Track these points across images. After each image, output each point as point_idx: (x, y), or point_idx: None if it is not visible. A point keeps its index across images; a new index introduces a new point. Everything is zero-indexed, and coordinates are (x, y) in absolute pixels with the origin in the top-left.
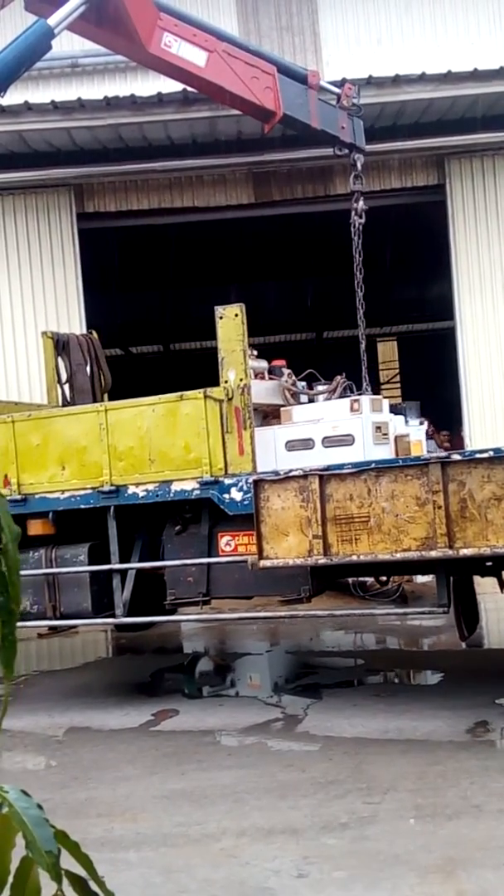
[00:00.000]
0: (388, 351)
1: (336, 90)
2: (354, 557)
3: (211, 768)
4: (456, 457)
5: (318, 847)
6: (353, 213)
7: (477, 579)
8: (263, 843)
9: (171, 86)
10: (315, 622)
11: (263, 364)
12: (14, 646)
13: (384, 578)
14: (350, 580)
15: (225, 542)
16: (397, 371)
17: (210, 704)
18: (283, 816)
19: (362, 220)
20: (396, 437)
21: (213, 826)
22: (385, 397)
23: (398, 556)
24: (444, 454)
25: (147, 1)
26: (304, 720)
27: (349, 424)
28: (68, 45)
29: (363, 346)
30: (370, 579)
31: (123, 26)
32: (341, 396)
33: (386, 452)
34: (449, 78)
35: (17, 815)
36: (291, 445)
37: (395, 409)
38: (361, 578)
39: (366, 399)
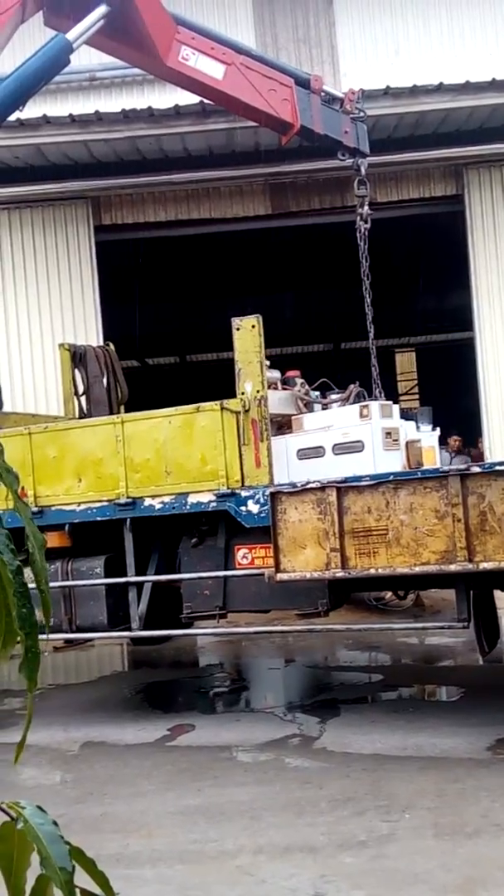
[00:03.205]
0: (406, 362)
1: (339, 94)
2: (372, 571)
3: (227, 784)
4: (475, 469)
5: (336, 865)
6: (358, 218)
7: (498, 594)
8: (280, 861)
9: (189, 98)
10: (331, 637)
11: (276, 374)
12: (37, 657)
13: (402, 592)
14: (366, 593)
15: (242, 554)
16: (416, 382)
17: (226, 719)
18: (300, 834)
19: (367, 226)
20: (408, 443)
21: (230, 843)
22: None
23: (417, 569)
24: (462, 467)
25: (165, 15)
26: (321, 736)
27: (359, 431)
28: (86, 58)
29: (373, 351)
30: (388, 592)
31: (141, 40)
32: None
33: (396, 458)
34: (467, 88)
35: (33, 831)
36: (303, 454)
37: (406, 415)
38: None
39: (375, 405)
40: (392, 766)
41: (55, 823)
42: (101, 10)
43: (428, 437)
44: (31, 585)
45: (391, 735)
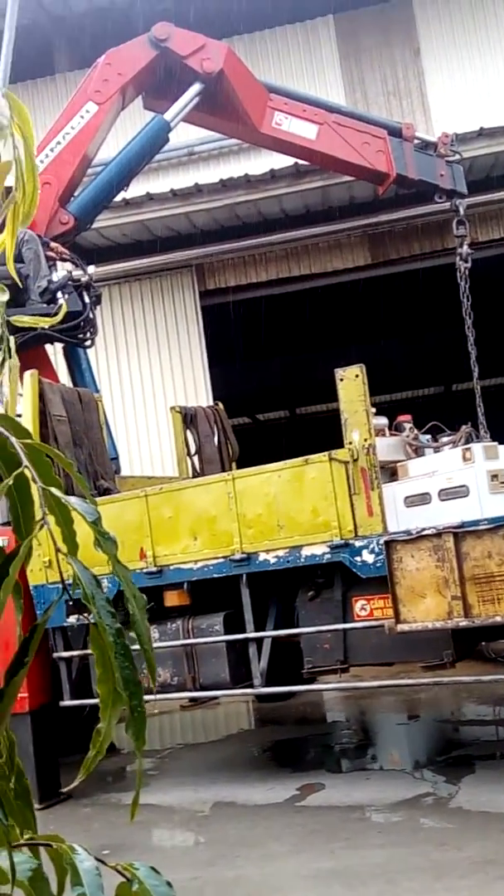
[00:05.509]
0: None
1: (432, 139)
2: (498, 618)
3: (360, 846)
4: None
5: None
6: (458, 258)
7: None
8: None
9: (283, 161)
10: (457, 690)
11: (383, 421)
12: (143, 717)
13: None
14: (485, 644)
15: (360, 606)
16: None
17: (356, 778)
18: None
19: (468, 265)
20: None
21: None
22: None
23: None
24: None
25: (257, 85)
26: (456, 795)
27: (463, 475)
28: (184, 135)
29: (478, 391)
30: None
31: (236, 111)
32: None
33: None
34: None
35: (147, 893)
36: (410, 501)
37: None
38: None
39: (478, 447)
40: None
41: (169, 885)
42: (196, 87)
43: None
44: (135, 647)
45: None
